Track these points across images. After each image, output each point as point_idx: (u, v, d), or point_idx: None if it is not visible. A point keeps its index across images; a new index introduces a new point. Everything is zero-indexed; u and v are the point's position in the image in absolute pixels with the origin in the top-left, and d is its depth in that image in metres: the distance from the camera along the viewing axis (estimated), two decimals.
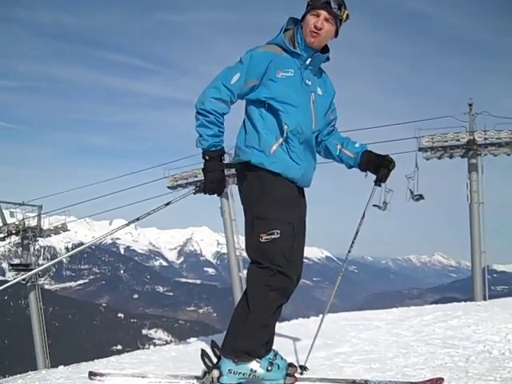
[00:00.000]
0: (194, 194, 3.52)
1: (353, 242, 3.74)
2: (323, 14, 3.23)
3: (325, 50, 3.38)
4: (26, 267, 29.81)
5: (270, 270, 3.10)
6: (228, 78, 3.17)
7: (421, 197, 22.53)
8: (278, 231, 3.13)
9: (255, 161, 3.21)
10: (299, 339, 5.37)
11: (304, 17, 3.30)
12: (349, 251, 3.78)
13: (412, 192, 22.57)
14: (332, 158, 3.62)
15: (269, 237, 3.12)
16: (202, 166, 3.22)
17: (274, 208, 3.15)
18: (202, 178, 3.24)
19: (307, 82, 3.34)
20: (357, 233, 3.73)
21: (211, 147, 3.18)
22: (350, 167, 3.56)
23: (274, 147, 3.20)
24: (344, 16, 3.30)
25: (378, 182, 3.56)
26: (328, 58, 3.43)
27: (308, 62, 3.32)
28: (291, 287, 3.21)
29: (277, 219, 3.14)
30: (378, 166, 3.48)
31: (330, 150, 3.58)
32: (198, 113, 3.20)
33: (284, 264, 3.12)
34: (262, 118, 3.25)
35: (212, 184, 3.21)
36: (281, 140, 3.21)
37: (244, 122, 3.36)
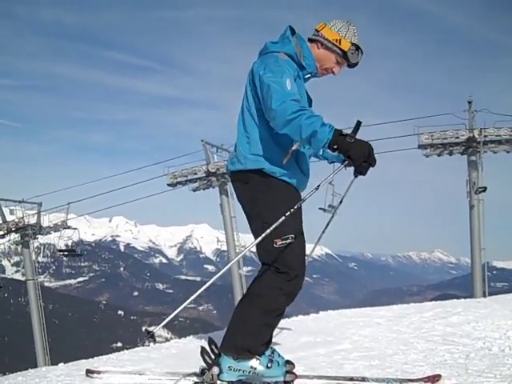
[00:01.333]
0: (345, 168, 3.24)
1: (327, 224, 3.76)
2: (345, 65, 3.40)
3: None
4: (73, 252, 30.04)
5: (288, 275, 3.13)
6: (284, 87, 3.06)
7: (484, 189, 22.59)
8: (293, 236, 3.16)
9: (269, 170, 3.20)
10: (299, 336, 5.38)
11: (326, 45, 3.36)
12: (322, 235, 3.80)
13: (475, 184, 22.60)
14: (315, 156, 3.71)
15: (284, 242, 3.15)
16: (344, 152, 2.94)
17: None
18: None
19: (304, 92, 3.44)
20: (332, 217, 3.81)
21: (332, 131, 2.89)
22: (331, 163, 3.64)
23: (287, 158, 3.20)
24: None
25: (357, 174, 3.54)
26: None
27: (307, 76, 3.43)
28: (298, 291, 3.24)
29: (290, 225, 3.14)
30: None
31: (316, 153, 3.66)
32: (290, 122, 2.95)
33: (300, 267, 3.17)
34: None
35: (361, 158, 2.96)
36: (292, 150, 3.20)
37: (245, 129, 3.30)
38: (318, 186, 3.22)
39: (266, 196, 3.21)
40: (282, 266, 3.14)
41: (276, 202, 3.19)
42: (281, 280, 3.13)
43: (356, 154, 2.93)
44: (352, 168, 3.22)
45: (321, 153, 3.66)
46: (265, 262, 3.23)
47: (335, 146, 2.90)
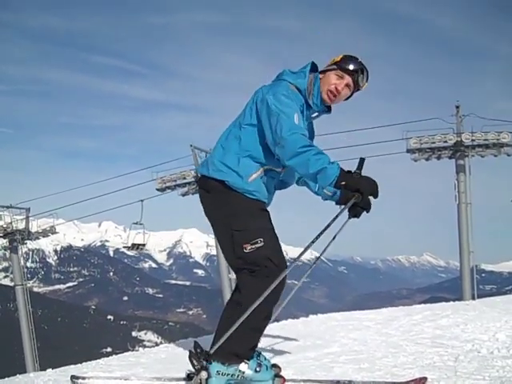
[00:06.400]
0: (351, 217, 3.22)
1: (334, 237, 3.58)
2: (347, 79, 3.29)
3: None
4: (141, 245, 28.56)
5: (262, 273, 3.12)
6: (292, 119, 3.06)
7: None
8: (261, 239, 3.15)
9: (232, 183, 3.20)
10: (289, 340, 5.38)
11: (326, 71, 3.33)
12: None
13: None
14: (310, 190, 3.73)
15: (253, 246, 3.14)
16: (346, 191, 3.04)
17: (251, 218, 3.18)
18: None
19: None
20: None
21: (339, 169, 2.93)
22: (325, 200, 3.62)
23: (254, 176, 3.22)
24: (363, 88, 3.35)
25: (351, 217, 3.29)
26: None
27: (314, 115, 3.39)
28: (281, 289, 3.22)
29: (257, 228, 3.17)
30: (354, 204, 3.33)
31: (309, 186, 3.70)
32: (299, 154, 2.97)
33: (273, 267, 3.14)
34: (256, 143, 3.22)
35: (370, 191, 3.01)
36: (261, 171, 3.24)
37: (226, 139, 3.31)
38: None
39: (228, 207, 3.22)
40: (255, 267, 3.13)
41: (238, 209, 3.19)
42: (256, 281, 3.12)
43: (365, 187, 2.96)
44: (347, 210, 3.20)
45: (316, 189, 3.64)
46: (238, 268, 3.22)
47: (343, 183, 2.92)
